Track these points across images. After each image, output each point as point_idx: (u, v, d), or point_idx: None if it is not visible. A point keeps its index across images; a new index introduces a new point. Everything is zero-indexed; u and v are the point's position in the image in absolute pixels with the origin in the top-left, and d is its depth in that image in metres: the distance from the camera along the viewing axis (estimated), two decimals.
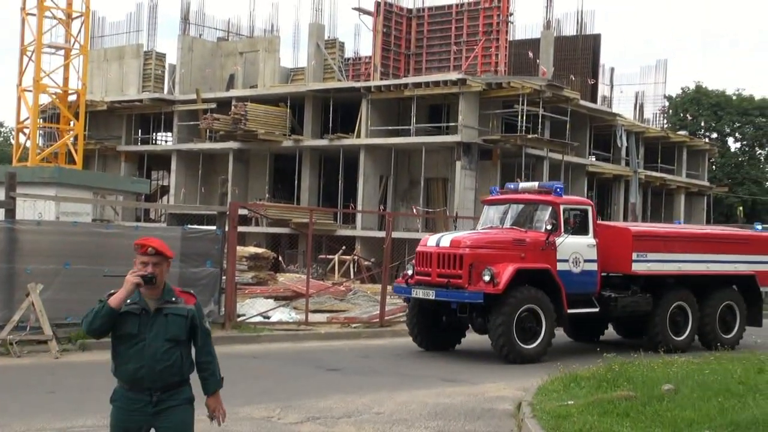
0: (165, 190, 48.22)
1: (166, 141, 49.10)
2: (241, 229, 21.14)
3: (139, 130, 48.22)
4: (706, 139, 58.75)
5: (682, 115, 64.34)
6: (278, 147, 40.82)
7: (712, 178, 55.78)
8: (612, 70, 50.46)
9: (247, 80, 45.67)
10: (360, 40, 64.78)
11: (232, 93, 43.40)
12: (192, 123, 43.46)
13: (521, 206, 16.85)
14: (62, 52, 38.54)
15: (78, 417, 9.97)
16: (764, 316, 19.83)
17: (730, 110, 64.60)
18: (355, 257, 30.85)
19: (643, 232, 17.85)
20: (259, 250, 24.67)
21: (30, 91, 37.21)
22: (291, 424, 9.92)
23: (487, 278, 14.83)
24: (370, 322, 19.86)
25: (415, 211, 36.31)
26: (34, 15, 36.84)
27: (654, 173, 45.35)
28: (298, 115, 41.36)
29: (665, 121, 59.64)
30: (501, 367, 14.90)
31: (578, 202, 17.24)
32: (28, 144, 38.09)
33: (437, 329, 16.55)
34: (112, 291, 5.56)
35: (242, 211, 26.90)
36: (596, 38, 45.00)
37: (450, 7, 42.14)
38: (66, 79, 38.47)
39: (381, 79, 39.93)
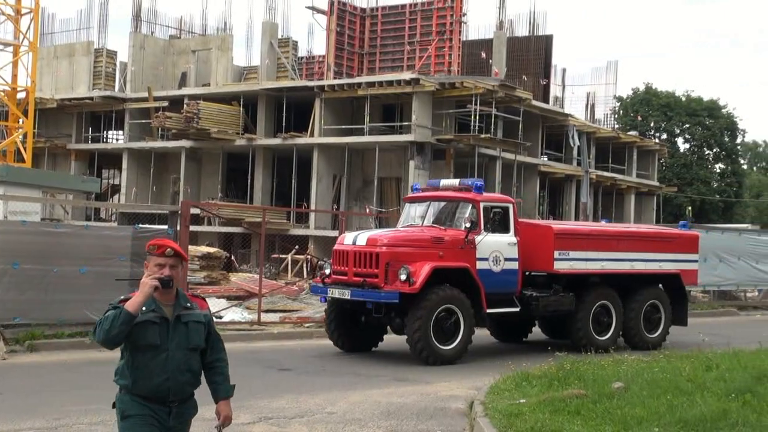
0: (116, 188, 47.73)
1: (117, 139, 48.59)
2: (193, 228, 21.00)
3: (90, 129, 47.64)
4: (656, 140, 59.50)
5: (632, 115, 65.11)
6: (231, 146, 40.59)
7: (662, 178, 56.52)
8: (564, 70, 50.92)
9: (199, 78, 45.34)
10: (313, 39, 64.90)
11: (185, 91, 43.04)
12: (144, 121, 43.07)
13: (442, 204, 16.54)
14: (11, 48, 37.97)
15: (27, 419, 9.84)
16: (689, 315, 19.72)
17: (680, 111, 65.55)
18: (309, 257, 30.77)
19: (565, 230, 17.68)
20: (212, 250, 24.52)
21: None
22: (243, 425, 9.88)
23: (403, 277, 14.52)
24: (323, 321, 19.81)
25: (368, 210, 36.31)
26: None
27: (605, 173, 45.82)
28: (251, 114, 41.17)
29: (616, 122, 60.30)
30: (453, 367, 14.95)
31: (499, 199, 16.89)
32: None
33: (356, 330, 16.21)
34: (124, 296, 5.22)
35: (194, 210, 26.74)
36: (548, 39, 45.33)
37: (403, 6, 42.19)
38: (15, 77, 37.91)
39: (334, 78, 39.87)
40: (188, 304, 5.35)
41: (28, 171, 32.30)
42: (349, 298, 15.15)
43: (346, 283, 15.29)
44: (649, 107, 65.77)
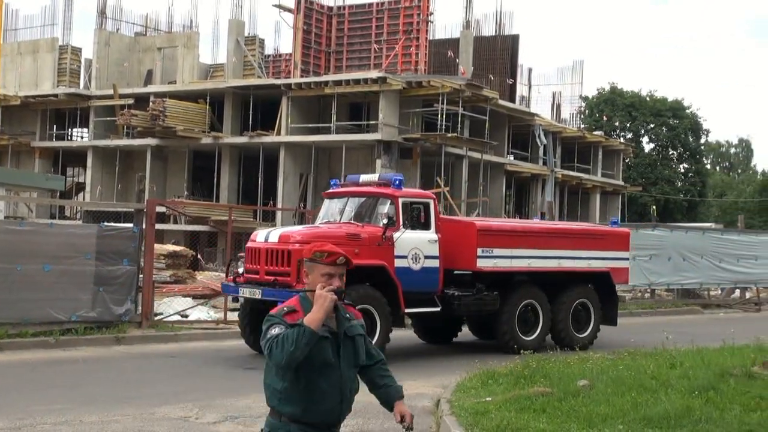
0: (81, 186, 47.33)
1: (82, 137, 48.18)
2: (159, 226, 20.87)
3: (54, 126, 47.22)
4: (621, 140, 59.97)
5: (598, 115, 65.59)
6: (197, 144, 40.40)
7: (627, 178, 57.02)
8: (530, 70, 51.17)
9: (165, 76, 45.07)
10: (280, 37, 64.58)
11: (150, 89, 42.77)
12: (109, 119, 42.75)
13: (360, 200, 15.89)
14: None
15: None
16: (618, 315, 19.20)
17: (644, 111, 66.16)
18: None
19: (489, 226, 17.02)
20: (178, 248, 24.37)
21: None
22: (209, 424, 9.84)
23: None
24: None
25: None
26: None
27: (570, 172, 46.10)
28: (218, 112, 40.99)
29: (582, 122, 60.72)
30: (420, 365, 14.98)
31: (419, 195, 16.26)
32: None
33: None
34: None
35: (160, 209, 26.53)
36: (515, 39, 45.51)
37: (370, 5, 42.18)
38: None
39: (301, 76, 39.79)
40: (347, 315, 4.85)
41: None
42: (260, 297, 14.44)
43: (258, 282, 14.64)
44: (614, 107, 66.32)
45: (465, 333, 18.51)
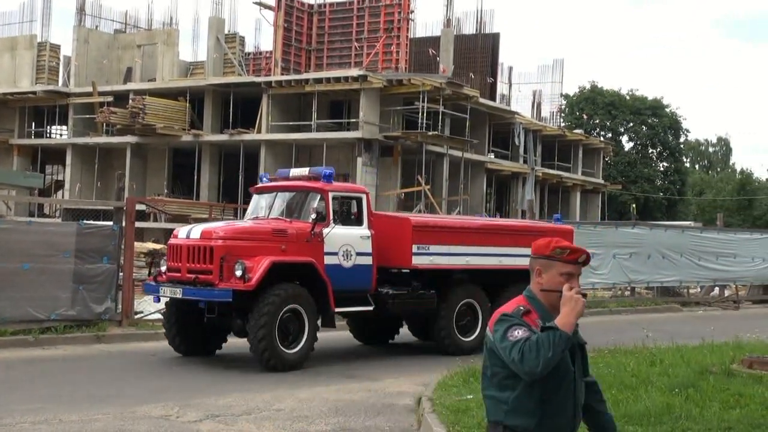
0: (60, 184, 47.08)
1: (61, 134, 47.93)
2: (139, 224, 20.79)
3: (33, 123, 46.96)
4: (601, 138, 60.19)
5: (578, 114, 65.80)
6: (177, 142, 40.26)
7: (607, 176, 57.23)
8: (510, 69, 51.32)
9: (145, 73, 44.89)
10: (261, 34, 64.29)
11: (130, 86, 42.60)
12: (88, 116, 42.54)
13: (289, 194, 15.25)
14: None
15: None
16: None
17: (624, 110, 66.41)
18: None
19: (425, 222, 16.42)
20: (158, 246, 24.25)
21: None
22: (190, 423, 9.80)
23: (238, 273, 13.14)
24: None
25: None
26: None
27: (551, 171, 46.23)
28: (198, 110, 40.87)
29: (562, 120, 60.90)
30: (401, 363, 14.97)
31: (350, 189, 15.74)
32: None
33: (198, 332, 14.65)
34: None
35: (140, 207, 26.44)
36: (495, 37, 45.59)
37: (351, 3, 42.16)
38: None
39: (282, 74, 39.73)
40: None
41: None
42: (181, 296, 13.77)
43: (180, 280, 13.85)
44: (594, 106, 66.53)
45: (404, 333, 17.82)
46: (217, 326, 14.43)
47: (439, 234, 15.81)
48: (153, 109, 39.05)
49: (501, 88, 47.98)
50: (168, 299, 14.45)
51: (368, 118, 35.76)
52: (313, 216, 14.05)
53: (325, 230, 14.20)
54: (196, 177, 40.11)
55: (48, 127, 47.45)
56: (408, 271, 15.58)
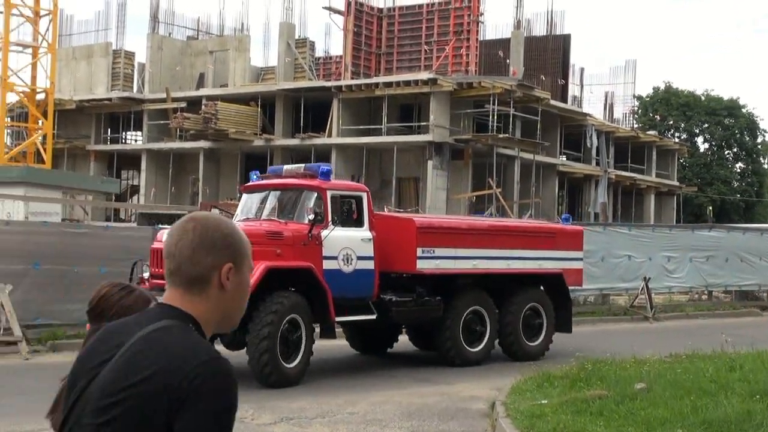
0: (135, 189, 47.90)
1: (135, 140, 48.76)
2: None
3: (109, 129, 47.86)
4: (676, 139, 59.23)
5: (651, 115, 64.85)
6: (249, 146, 40.67)
7: (682, 178, 56.24)
8: (582, 70, 50.75)
9: (217, 79, 45.46)
10: (331, 39, 64.85)
11: (203, 92, 43.17)
12: (162, 122, 43.20)
13: (283, 193, 14.08)
14: (30, 50, 38.18)
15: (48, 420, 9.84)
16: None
17: (699, 110, 65.24)
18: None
19: (430, 223, 15.21)
20: None
21: None
22: (265, 425, 9.87)
23: None
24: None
25: (386, 210, 36.27)
26: (0, 13, 36.45)
27: (624, 173, 45.63)
28: (269, 115, 41.24)
29: (635, 122, 60.08)
30: (474, 368, 14.85)
31: (350, 187, 14.68)
32: None
33: None
34: None
35: (213, 211, 26.77)
36: (566, 38, 45.19)
37: (420, 6, 42.16)
38: (34, 78, 38.13)
39: (352, 78, 39.89)
40: None
41: (48, 172, 32.48)
42: None
43: (165, 288, 13.23)
44: (668, 107, 65.49)
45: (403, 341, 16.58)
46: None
47: (445, 236, 14.75)
48: (225, 114, 39.52)
49: (572, 89, 47.53)
50: None
51: (438, 122, 35.69)
52: (310, 217, 12.87)
53: (324, 232, 13.07)
54: None
55: (123, 132, 48.33)
56: (408, 275, 14.49)
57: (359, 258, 13.47)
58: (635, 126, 56.69)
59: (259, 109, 40.63)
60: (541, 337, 16.01)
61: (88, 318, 3.11)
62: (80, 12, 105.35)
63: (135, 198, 47.00)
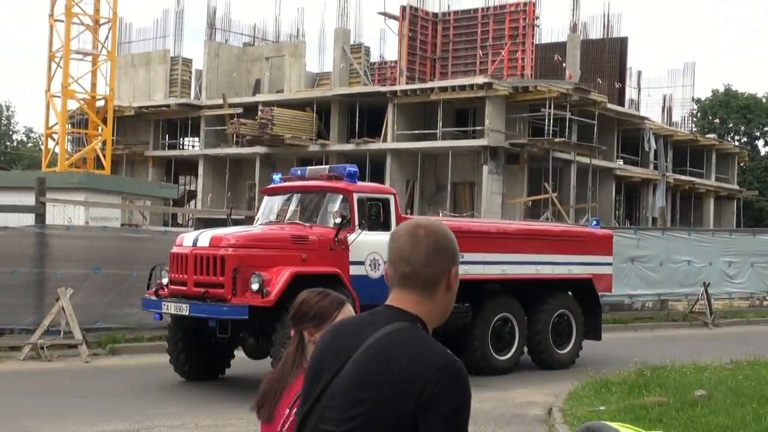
0: (192, 194, 48.41)
1: (193, 146, 49.30)
2: None
3: (167, 135, 48.42)
4: (736, 143, 58.31)
5: (710, 118, 63.94)
6: (305, 152, 40.90)
7: (742, 182, 55.34)
8: (639, 73, 50.24)
9: (273, 85, 45.78)
10: (385, 44, 64.99)
11: (259, 98, 43.51)
12: (219, 128, 43.61)
13: (307, 196, 13.65)
14: (90, 58, 38.78)
15: (108, 422, 9.99)
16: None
17: (760, 113, 64.16)
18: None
19: (458, 227, 14.47)
20: None
21: (58, 97, 37.46)
22: None
23: (255, 287, 11.50)
24: None
25: (441, 215, 36.23)
26: (62, 21, 37.10)
27: (682, 177, 45.01)
28: (325, 120, 41.42)
29: (694, 125, 59.28)
30: (530, 373, 14.79)
31: (377, 189, 13.98)
32: (57, 149, 38.38)
33: (207, 353, 13.05)
34: None
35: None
36: (623, 41, 44.77)
37: (475, 11, 42.05)
38: (93, 85, 38.71)
39: (407, 83, 39.91)
40: None
41: (107, 178, 32.97)
42: (188, 314, 12.01)
43: (186, 295, 12.16)
44: (728, 109, 64.52)
45: None
46: (224, 346, 12.83)
47: (474, 240, 14.20)
48: (281, 119, 39.79)
49: (629, 93, 47.05)
50: (171, 318, 12.79)
51: (494, 126, 35.57)
52: (337, 220, 12.36)
53: (350, 236, 12.58)
54: None
55: (181, 138, 48.90)
56: None
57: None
58: (694, 129, 55.95)
59: (314, 115, 40.83)
60: (571, 345, 15.58)
61: (291, 323, 3.46)
62: (139, 20, 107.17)
63: (192, 203, 47.49)
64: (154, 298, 12.69)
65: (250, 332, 12.14)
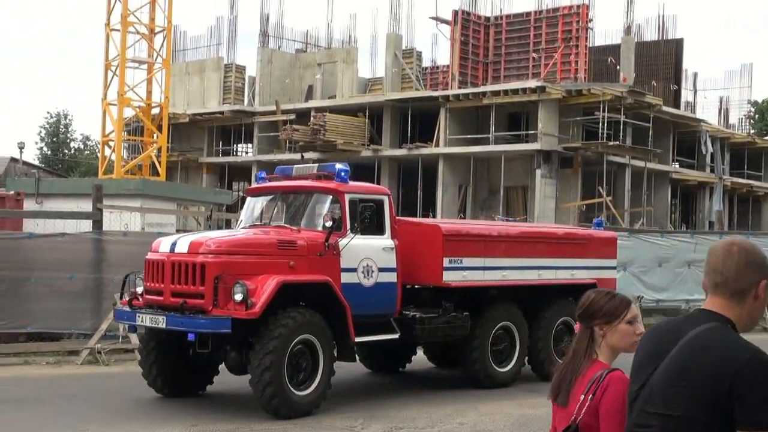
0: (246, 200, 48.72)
1: (246, 152, 49.68)
2: None
3: (220, 142, 48.88)
4: None
5: None
6: (357, 157, 40.96)
7: None
8: (695, 75, 49.75)
9: (325, 91, 45.99)
10: (437, 49, 64.81)
11: (311, 104, 43.73)
12: (272, 134, 43.91)
13: (294, 197, 12.59)
14: (145, 66, 39.29)
15: (164, 426, 10.07)
16: None
17: None
18: None
19: (457, 230, 13.75)
20: None
21: (114, 105, 37.98)
22: None
23: (238, 297, 10.40)
24: None
25: (496, 218, 36.06)
26: (117, 30, 37.63)
27: (740, 180, 44.33)
28: (377, 125, 41.49)
29: (751, 127, 58.34)
30: None
31: (370, 190, 12.77)
32: (113, 157, 38.92)
33: (185, 368, 11.84)
34: None
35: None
36: (678, 43, 44.27)
37: (528, 14, 41.86)
38: (149, 93, 39.20)
39: (459, 87, 39.84)
40: None
41: (162, 184, 33.35)
42: (164, 326, 10.91)
43: (162, 305, 11.07)
44: None
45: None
46: (206, 360, 11.63)
47: (474, 244, 13.33)
48: (333, 125, 39.95)
49: (685, 95, 46.55)
50: (144, 330, 11.71)
51: (547, 130, 35.35)
52: (327, 224, 11.37)
53: (342, 241, 11.55)
54: None
55: (234, 145, 49.29)
56: (432, 288, 13.11)
57: (381, 270, 11.97)
58: (751, 132, 55.07)
59: (366, 120, 40.93)
60: None
61: (579, 319, 3.87)
62: (193, 28, 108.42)
63: None
64: (127, 309, 11.50)
65: (232, 345, 11.05)
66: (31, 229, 17.29)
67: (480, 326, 13.13)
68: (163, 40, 38.90)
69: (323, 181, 12.27)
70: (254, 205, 12.85)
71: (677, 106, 42.64)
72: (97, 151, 60.05)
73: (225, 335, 10.59)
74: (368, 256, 11.84)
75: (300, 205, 12.39)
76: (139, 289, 11.52)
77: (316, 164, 13.76)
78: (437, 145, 38.41)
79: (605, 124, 34.85)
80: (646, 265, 22.24)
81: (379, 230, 12.11)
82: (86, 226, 16.24)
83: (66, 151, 72.97)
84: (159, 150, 39.03)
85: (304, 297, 11.23)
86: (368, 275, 11.82)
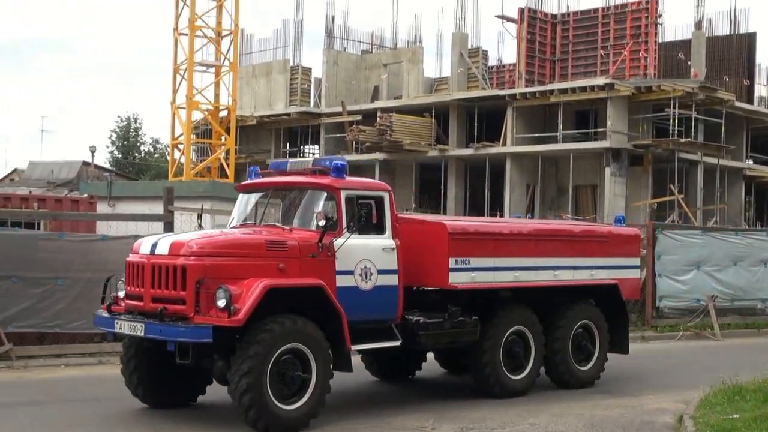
0: None
1: (313, 153, 49.92)
2: None
3: (287, 143, 49.24)
4: None
5: None
6: (424, 157, 40.97)
7: None
8: None
9: (391, 91, 46.02)
10: (503, 47, 64.60)
11: (377, 104, 43.81)
12: (338, 135, 44.10)
13: (287, 193, 11.75)
14: (213, 69, 39.79)
15: (222, 428, 10.12)
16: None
17: None
18: None
19: (464, 228, 12.63)
20: None
21: (183, 108, 38.53)
22: None
23: (221, 303, 9.64)
24: None
25: (564, 218, 35.72)
26: (185, 35, 38.17)
27: None
28: (443, 125, 41.40)
29: None
30: (660, 379, 14.40)
31: (369, 186, 11.82)
32: (183, 159, 39.47)
33: (172, 377, 11.05)
34: None
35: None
36: (751, 37, 43.37)
37: (596, 11, 41.39)
38: (217, 96, 39.68)
39: (525, 86, 39.55)
40: None
41: (231, 186, 33.62)
42: (142, 335, 10.17)
43: (143, 311, 10.35)
44: None
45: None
46: (195, 369, 10.65)
47: (483, 243, 12.47)
48: (400, 126, 39.97)
49: (759, 90, 45.52)
50: (126, 338, 10.99)
51: (616, 127, 34.91)
52: (321, 223, 10.51)
53: (337, 241, 10.75)
54: (442, 191, 40.63)
55: (301, 146, 49.62)
56: (437, 290, 12.27)
57: (380, 272, 11.14)
58: None
59: (432, 120, 40.87)
60: (593, 361, 13.74)
61: None
62: (259, 31, 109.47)
63: None
64: (106, 314, 10.82)
65: (220, 354, 10.12)
66: (104, 232, 17.58)
67: (491, 331, 12.29)
68: (230, 44, 39.35)
69: (318, 176, 11.41)
70: (246, 203, 12.04)
71: (750, 101, 41.78)
72: (166, 154, 60.93)
73: (206, 344, 9.80)
74: (366, 257, 11.05)
75: (293, 203, 11.57)
76: (121, 294, 10.85)
77: (312, 159, 13.02)
78: (504, 144, 38.20)
79: (676, 121, 34.32)
80: (720, 264, 21.80)
81: (378, 229, 11.33)
82: (158, 228, 16.43)
83: (136, 154, 74.19)
84: (227, 152, 39.48)
85: (295, 302, 10.28)
86: (366, 278, 11.03)
